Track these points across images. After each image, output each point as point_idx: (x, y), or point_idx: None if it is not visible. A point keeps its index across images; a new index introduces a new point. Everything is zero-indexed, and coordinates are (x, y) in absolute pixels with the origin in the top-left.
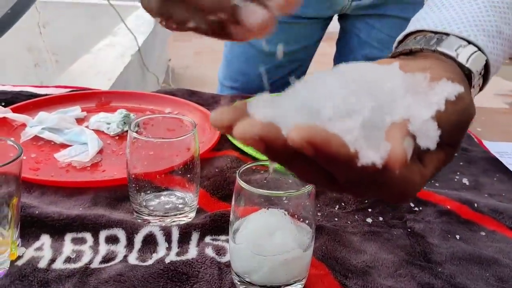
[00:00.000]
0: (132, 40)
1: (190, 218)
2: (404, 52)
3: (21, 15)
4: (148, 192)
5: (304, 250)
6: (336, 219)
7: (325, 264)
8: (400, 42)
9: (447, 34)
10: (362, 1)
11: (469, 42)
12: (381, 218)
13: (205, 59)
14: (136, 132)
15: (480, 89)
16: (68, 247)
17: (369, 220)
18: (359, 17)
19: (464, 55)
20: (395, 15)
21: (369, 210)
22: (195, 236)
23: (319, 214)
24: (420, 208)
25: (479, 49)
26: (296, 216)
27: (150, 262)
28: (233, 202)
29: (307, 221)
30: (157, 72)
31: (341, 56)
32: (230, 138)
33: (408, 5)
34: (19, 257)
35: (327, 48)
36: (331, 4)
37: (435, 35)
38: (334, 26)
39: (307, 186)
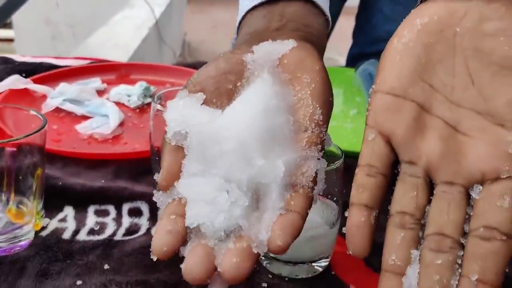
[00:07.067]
0: (149, 13)
1: None
2: None
3: None
4: None
5: (331, 227)
6: None
7: None
8: None
9: None
10: None
11: None
12: None
13: (221, 34)
14: (159, 104)
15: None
16: (91, 219)
17: None
18: None
19: None
20: None
21: None
22: None
23: (344, 191)
24: None
25: None
26: (323, 192)
27: None
28: None
29: (334, 198)
30: (173, 46)
31: (361, 32)
32: None
33: None
34: (43, 228)
35: (344, 22)
36: None
37: None
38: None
39: (336, 162)
